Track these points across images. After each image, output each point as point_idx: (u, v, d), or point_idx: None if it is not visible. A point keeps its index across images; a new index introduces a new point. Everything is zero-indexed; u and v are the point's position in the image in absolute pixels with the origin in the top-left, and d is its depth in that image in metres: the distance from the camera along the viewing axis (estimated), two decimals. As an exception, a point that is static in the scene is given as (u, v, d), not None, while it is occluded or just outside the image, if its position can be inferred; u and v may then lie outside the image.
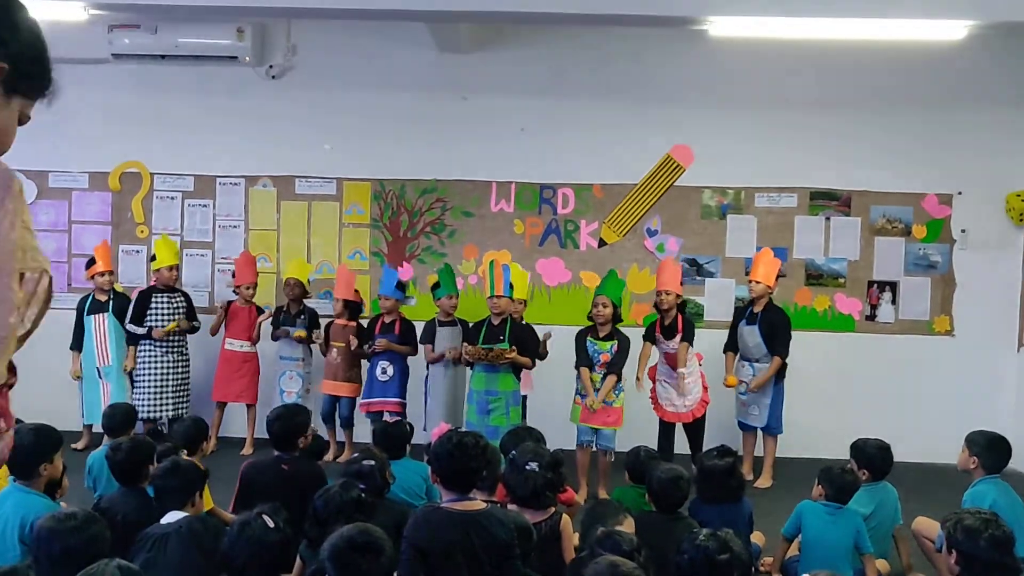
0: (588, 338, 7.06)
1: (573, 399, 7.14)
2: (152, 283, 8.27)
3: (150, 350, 8.06)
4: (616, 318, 7.04)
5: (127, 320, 8.04)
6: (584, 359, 7.04)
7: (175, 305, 8.12)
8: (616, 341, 6.99)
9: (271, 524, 3.54)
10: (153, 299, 8.08)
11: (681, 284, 7.54)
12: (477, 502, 3.67)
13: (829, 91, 8.55)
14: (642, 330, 7.70)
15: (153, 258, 8.22)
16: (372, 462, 4.67)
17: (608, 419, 6.96)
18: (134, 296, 8.24)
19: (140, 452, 4.60)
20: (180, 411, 8.01)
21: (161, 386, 8.05)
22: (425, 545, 3.50)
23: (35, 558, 3.50)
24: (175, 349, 8.13)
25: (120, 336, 8.07)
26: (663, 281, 7.42)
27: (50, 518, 3.57)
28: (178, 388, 8.11)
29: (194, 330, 8.25)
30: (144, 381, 8.04)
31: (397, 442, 5.48)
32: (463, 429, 3.95)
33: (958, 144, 8.52)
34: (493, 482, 4.69)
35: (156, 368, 8.05)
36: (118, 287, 8.38)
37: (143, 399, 7.97)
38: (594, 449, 7.08)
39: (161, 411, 8.02)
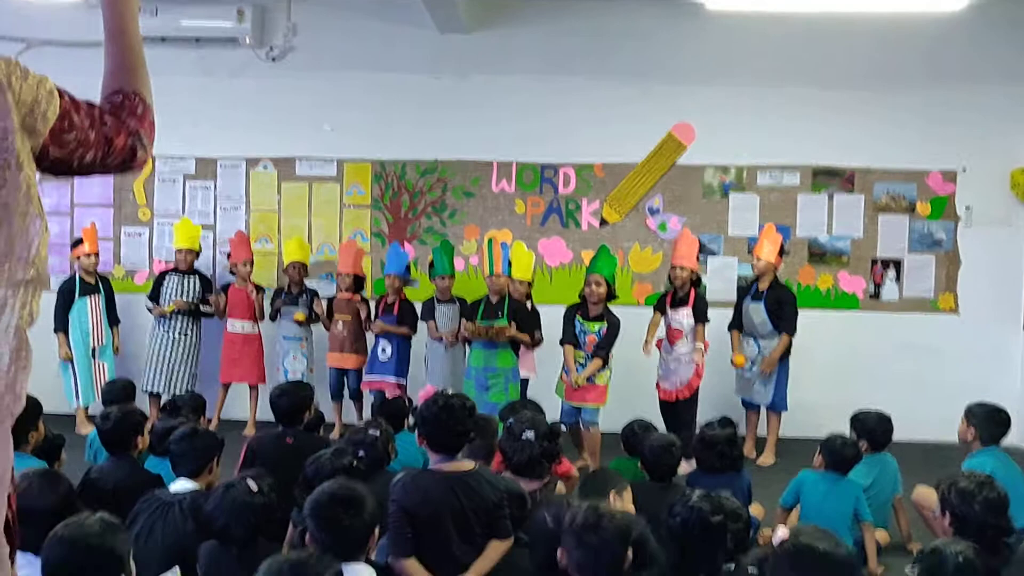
0: (577, 316, 6.98)
1: (559, 374, 7.11)
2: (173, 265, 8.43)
3: (155, 328, 8.22)
4: (610, 296, 6.95)
5: (147, 297, 8.29)
6: (569, 336, 6.96)
7: (184, 287, 8.18)
8: (605, 323, 6.89)
9: (254, 488, 3.55)
10: (165, 280, 8.23)
11: (697, 259, 7.50)
12: (465, 463, 3.66)
13: (831, 67, 8.47)
14: (644, 310, 7.67)
15: None
16: (376, 432, 4.68)
17: (589, 396, 6.89)
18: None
19: (128, 421, 4.60)
20: (176, 390, 8.00)
21: (157, 364, 8.16)
22: (413, 507, 3.48)
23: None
24: (176, 329, 8.18)
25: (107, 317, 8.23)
26: (678, 256, 7.31)
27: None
28: (174, 368, 8.15)
29: (203, 313, 8.28)
30: (149, 358, 8.19)
31: (396, 416, 5.48)
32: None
33: (962, 120, 8.43)
34: (489, 451, 4.69)
35: (156, 346, 8.18)
36: (118, 270, 8.40)
37: (145, 374, 8.13)
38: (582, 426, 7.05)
39: (157, 387, 8.11)
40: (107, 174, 1.86)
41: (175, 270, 8.27)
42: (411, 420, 5.79)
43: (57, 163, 1.71)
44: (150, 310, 8.23)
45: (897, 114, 8.46)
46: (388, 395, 6.11)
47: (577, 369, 6.88)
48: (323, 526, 3.04)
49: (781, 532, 2.99)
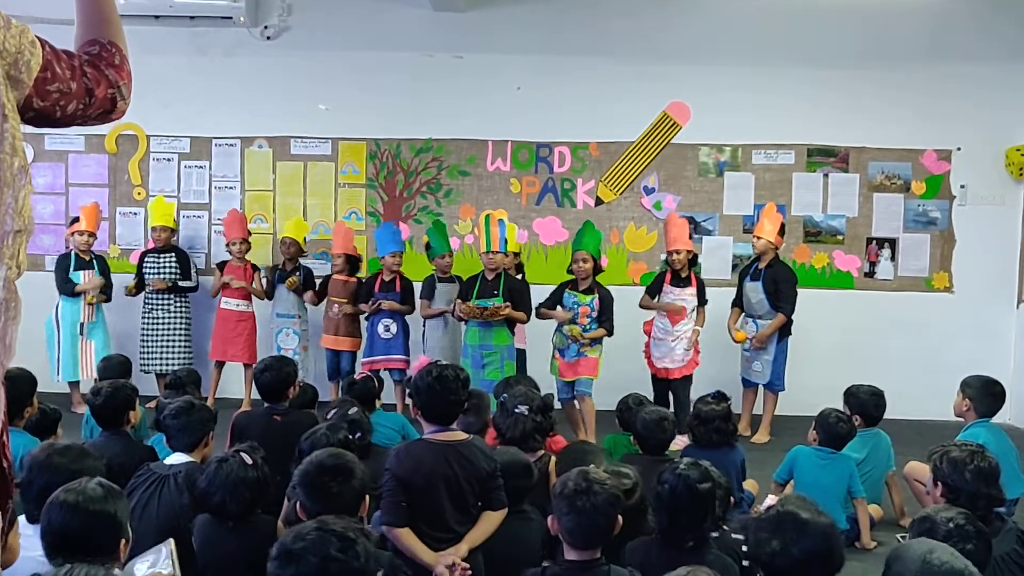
0: (568, 290, 7.06)
1: (552, 354, 7.12)
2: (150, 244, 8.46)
3: (141, 307, 8.28)
4: (596, 270, 7.00)
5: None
6: (551, 303, 7.05)
7: (161, 265, 8.22)
8: (597, 295, 6.96)
9: (249, 461, 3.55)
10: (146, 260, 8.29)
11: (691, 238, 7.54)
12: (459, 433, 3.66)
13: (826, 46, 8.46)
14: (639, 289, 7.66)
15: None
16: (356, 410, 4.68)
17: (581, 369, 6.94)
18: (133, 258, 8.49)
19: (119, 396, 4.60)
20: (166, 367, 8.02)
21: (148, 343, 8.24)
22: (406, 475, 3.48)
23: (25, 487, 3.47)
24: (160, 307, 8.24)
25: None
26: (673, 240, 7.37)
27: (44, 448, 3.56)
28: (165, 345, 8.19)
29: (182, 289, 8.29)
30: (142, 339, 8.25)
31: (366, 397, 5.43)
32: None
33: (957, 99, 8.45)
34: (483, 427, 4.71)
35: (145, 327, 8.27)
36: (113, 249, 8.41)
37: (141, 355, 8.17)
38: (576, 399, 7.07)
39: (152, 366, 8.18)
40: (87, 124, 1.86)
41: (153, 250, 8.32)
42: (382, 399, 5.83)
43: (40, 114, 1.72)
44: (127, 293, 8.27)
45: (892, 93, 8.47)
46: (356, 376, 5.98)
47: (570, 346, 6.92)
48: (313, 495, 3.05)
49: (769, 499, 3.02)
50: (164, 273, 8.20)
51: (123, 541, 2.78)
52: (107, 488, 2.84)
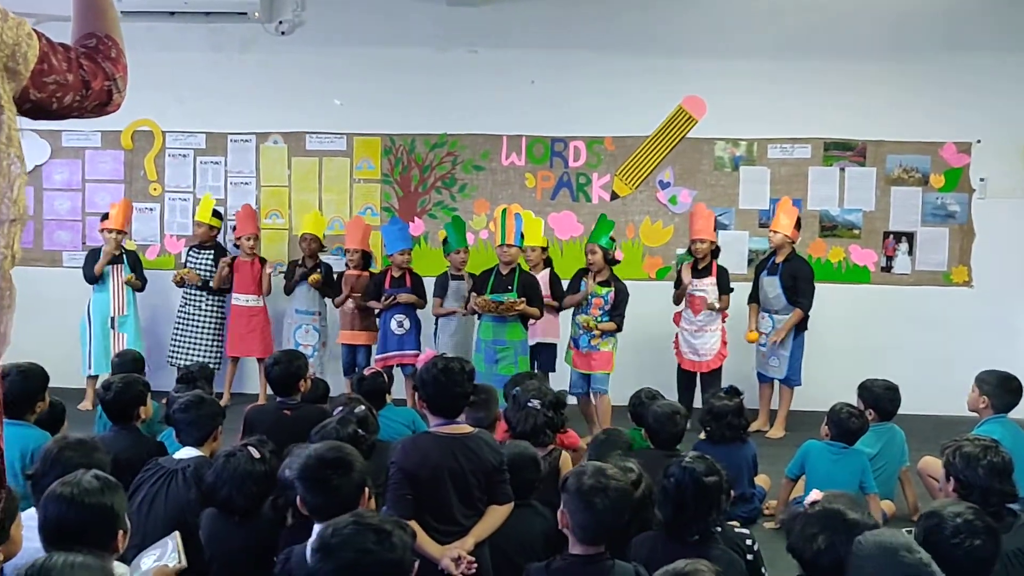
0: (584, 278, 7.11)
1: (567, 343, 7.14)
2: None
3: (178, 301, 8.33)
4: (610, 261, 7.03)
5: None
6: (572, 292, 7.15)
7: (200, 260, 8.26)
8: (613, 288, 6.97)
9: (256, 455, 3.55)
10: (189, 254, 8.38)
11: (714, 231, 7.51)
12: (465, 426, 3.65)
13: (843, 38, 8.38)
14: (655, 283, 7.62)
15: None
16: (363, 408, 4.67)
17: (594, 363, 6.94)
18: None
19: (130, 392, 4.62)
20: (188, 362, 8.01)
21: (176, 337, 8.28)
22: (412, 467, 3.47)
23: (37, 480, 3.49)
24: (193, 303, 8.25)
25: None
26: (697, 230, 7.40)
27: (57, 442, 3.60)
28: (190, 341, 8.20)
29: (212, 290, 8.29)
30: (173, 330, 8.32)
31: (376, 393, 5.42)
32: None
33: (977, 91, 8.33)
34: (491, 422, 4.69)
35: (179, 318, 8.31)
36: (130, 244, 8.44)
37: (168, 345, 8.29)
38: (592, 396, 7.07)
39: (175, 359, 8.20)
40: (83, 117, 1.87)
41: (198, 244, 8.38)
42: (392, 394, 5.83)
43: (36, 106, 1.73)
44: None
45: (910, 85, 8.38)
46: (366, 372, 5.98)
47: (582, 336, 6.93)
48: (312, 488, 3.05)
49: (814, 494, 3.04)
50: (201, 269, 8.22)
51: (121, 532, 2.79)
52: (103, 480, 2.86)
